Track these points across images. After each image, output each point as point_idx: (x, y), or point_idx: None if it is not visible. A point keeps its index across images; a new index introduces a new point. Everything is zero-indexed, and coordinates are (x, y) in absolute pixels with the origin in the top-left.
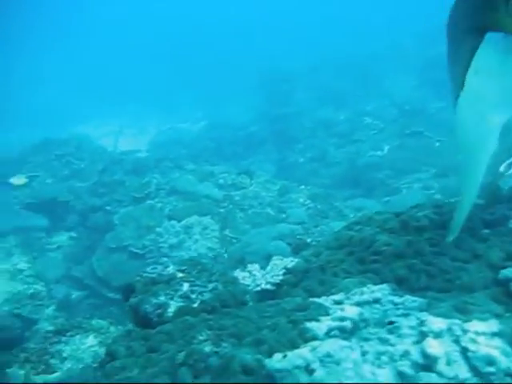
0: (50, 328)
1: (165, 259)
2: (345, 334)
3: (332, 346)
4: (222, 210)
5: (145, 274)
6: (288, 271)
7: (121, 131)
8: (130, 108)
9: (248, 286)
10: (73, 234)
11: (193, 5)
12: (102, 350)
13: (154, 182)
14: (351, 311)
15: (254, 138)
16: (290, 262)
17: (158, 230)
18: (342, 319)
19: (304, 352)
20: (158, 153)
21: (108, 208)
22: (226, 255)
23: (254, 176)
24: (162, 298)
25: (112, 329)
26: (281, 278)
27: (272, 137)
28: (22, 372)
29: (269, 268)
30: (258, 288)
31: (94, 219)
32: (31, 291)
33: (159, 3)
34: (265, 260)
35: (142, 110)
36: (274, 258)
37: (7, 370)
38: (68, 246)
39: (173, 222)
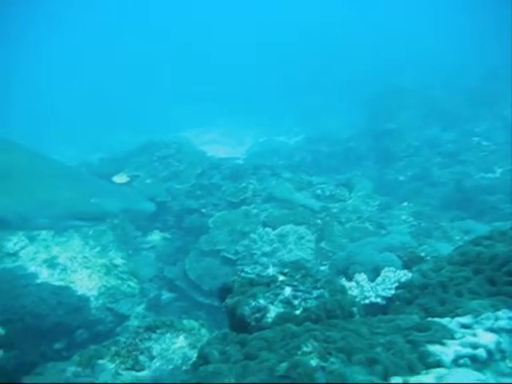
0: (141, 325)
1: (264, 259)
2: (477, 364)
3: (463, 376)
4: (318, 221)
5: (243, 274)
6: (401, 285)
7: (220, 140)
8: (230, 120)
9: (355, 297)
10: (167, 235)
11: (299, 15)
12: (192, 353)
13: (251, 187)
14: (486, 338)
15: (353, 153)
16: (404, 275)
17: (252, 236)
18: (475, 346)
19: (429, 380)
20: (255, 161)
21: (203, 211)
22: (322, 268)
23: (354, 189)
24: (262, 302)
25: (203, 331)
26: (393, 292)
27: (371, 152)
28: (112, 365)
29: (379, 280)
30: (367, 301)
31: (189, 221)
32: (125, 287)
33: (264, 15)
34: (372, 272)
35: (242, 122)
36: (386, 269)
37: (98, 361)
38: (161, 246)
39: (267, 229)
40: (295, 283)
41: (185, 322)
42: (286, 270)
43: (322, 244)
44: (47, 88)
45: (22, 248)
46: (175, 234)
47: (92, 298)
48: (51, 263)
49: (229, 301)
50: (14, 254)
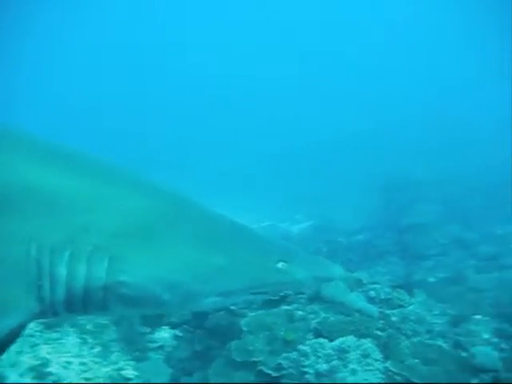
0: None
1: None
2: None
3: None
4: (380, 333)
5: None
6: None
7: None
8: (225, 201)
9: None
10: (179, 333)
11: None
12: None
13: None
14: None
15: (373, 248)
16: None
17: (301, 347)
18: None
19: None
20: None
21: (233, 308)
22: None
23: (415, 293)
24: None
25: None
26: None
27: (394, 248)
28: None
29: None
30: None
31: (214, 319)
32: None
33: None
34: None
35: (237, 205)
36: None
37: None
38: (172, 346)
39: (322, 340)
40: None
41: None
42: None
43: (388, 364)
44: None
45: None
46: (193, 333)
47: None
48: (40, 372)
49: None
50: None
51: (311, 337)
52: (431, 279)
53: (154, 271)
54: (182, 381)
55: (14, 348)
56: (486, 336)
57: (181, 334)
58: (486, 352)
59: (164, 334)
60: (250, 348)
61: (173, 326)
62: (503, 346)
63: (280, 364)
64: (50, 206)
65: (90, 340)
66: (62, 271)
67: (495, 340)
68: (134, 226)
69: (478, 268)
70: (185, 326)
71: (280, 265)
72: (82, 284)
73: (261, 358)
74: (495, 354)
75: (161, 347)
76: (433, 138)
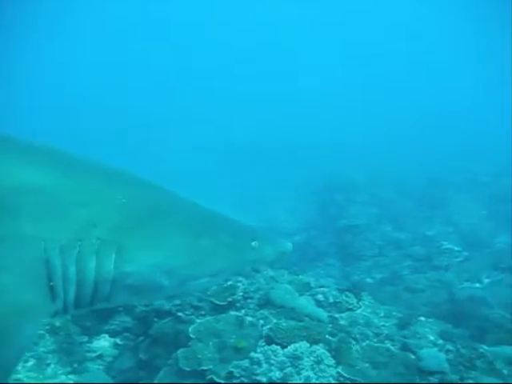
0: None
1: None
2: None
3: None
4: (331, 338)
5: None
6: None
7: None
8: None
9: None
10: (119, 341)
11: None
12: None
13: (241, 287)
14: None
15: (312, 249)
16: None
17: (253, 355)
18: None
19: None
20: None
21: (180, 314)
22: None
23: (362, 296)
24: None
25: None
26: None
27: (331, 249)
28: None
29: None
30: None
31: (159, 327)
32: None
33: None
34: None
35: None
36: None
37: None
38: (113, 355)
39: (274, 347)
40: None
41: None
42: None
43: (339, 369)
44: None
45: None
46: (135, 341)
47: None
48: None
49: None
50: None
51: (263, 343)
52: (369, 279)
53: (153, 259)
54: None
55: None
56: (431, 338)
57: (122, 343)
58: (432, 354)
59: (103, 343)
60: (199, 356)
61: (113, 334)
62: (448, 347)
63: (231, 372)
64: (53, 206)
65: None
66: (72, 269)
67: (440, 342)
68: (131, 218)
69: (413, 268)
70: (126, 333)
71: (253, 244)
72: (92, 279)
73: (211, 367)
74: (442, 355)
75: (100, 357)
76: (372, 142)
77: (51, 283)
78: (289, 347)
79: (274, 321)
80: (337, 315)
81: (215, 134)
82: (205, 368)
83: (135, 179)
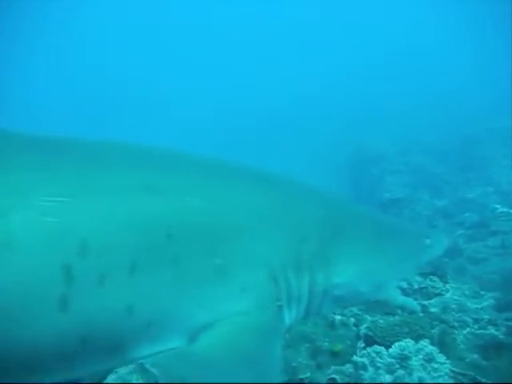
0: None
1: None
2: None
3: None
4: (432, 331)
5: None
6: None
7: None
8: None
9: None
10: None
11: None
12: None
13: None
14: None
15: None
16: None
17: (356, 359)
18: None
19: None
20: None
21: None
22: None
23: (448, 279)
24: None
25: None
26: None
27: None
28: None
29: None
30: None
31: None
32: None
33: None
34: None
35: None
36: None
37: None
38: None
39: (378, 348)
40: None
41: None
42: None
43: (449, 364)
44: None
45: None
46: None
47: None
48: None
49: None
50: None
51: (362, 344)
52: None
53: (357, 268)
54: None
55: None
56: None
57: None
58: None
59: None
60: (293, 363)
61: None
62: None
63: (333, 379)
64: (271, 225)
65: None
66: (295, 287)
67: None
68: (330, 229)
69: (468, 237)
70: None
71: (427, 241)
72: (306, 294)
73: (308, 374)
74: None
75: None
76: (394, 113)
77: (278, 303)
78: (393, 346)
79: (369, 318)
80: (425, 302)
81: (236, 105)
82: (302, 377)
83: (309, 188)
